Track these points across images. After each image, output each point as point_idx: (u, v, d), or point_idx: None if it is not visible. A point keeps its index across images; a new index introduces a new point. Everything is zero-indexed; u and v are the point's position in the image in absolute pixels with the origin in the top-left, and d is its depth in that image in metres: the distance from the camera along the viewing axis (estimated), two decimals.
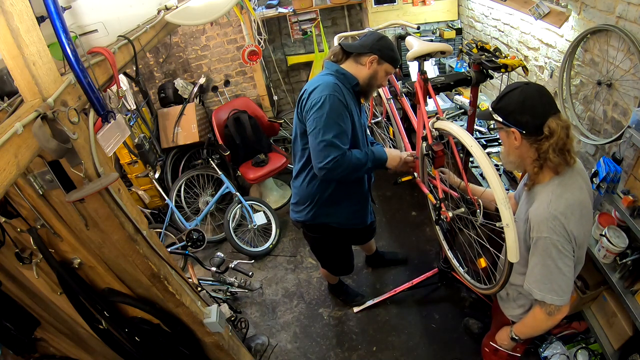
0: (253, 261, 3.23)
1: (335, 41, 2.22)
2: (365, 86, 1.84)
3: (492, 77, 1.94)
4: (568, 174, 1.31)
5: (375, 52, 1.76)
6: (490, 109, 1.36)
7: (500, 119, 1.31)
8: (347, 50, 1.82)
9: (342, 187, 1.95)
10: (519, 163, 1.38)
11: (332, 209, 2.02)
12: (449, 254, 2.03)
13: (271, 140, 3.98)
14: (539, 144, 1.26)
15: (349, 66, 1.82)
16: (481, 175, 2.39)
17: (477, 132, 2.80)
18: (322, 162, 1.65)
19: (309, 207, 2.02)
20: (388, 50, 1.78)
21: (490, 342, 1.69)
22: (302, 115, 1.77)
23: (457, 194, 1.76)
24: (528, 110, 1.25)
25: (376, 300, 2.75)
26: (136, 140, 2.94)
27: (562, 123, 1.24)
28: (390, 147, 2.41)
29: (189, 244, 3.09)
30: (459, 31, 3.48)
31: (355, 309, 2.75)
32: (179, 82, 3.88)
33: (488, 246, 1.55)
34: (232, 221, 3.36)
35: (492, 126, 2.77)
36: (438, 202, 1.72)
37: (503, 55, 1.85)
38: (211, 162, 3.43)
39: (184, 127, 3.59)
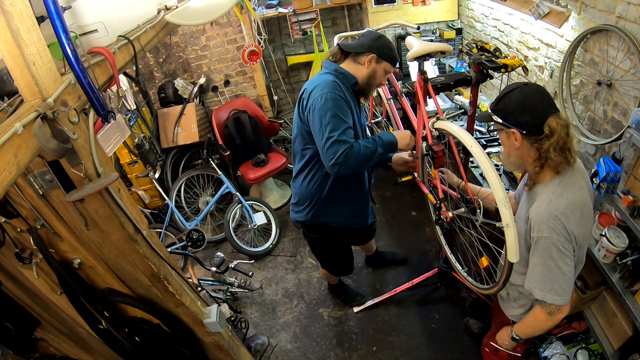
0: (253, 261, 3.23)
1: (335, 41, 2.22)
2: (364, 85, 1.84)
3: (492, 77, 1.94)
4: (568, 173, 1.31)
5: (374, 51, 1.76)
6: (490, 111, 1.36)
7: (500, 120, 1.31)
8: (346, 50, 1.83)
9: (341, 187, 1.95)
10: (519, 164, 1.38)
11: (331, 209, 2.02)
12: (449, 254, 2.02)
13: (271, 140, 3.98)
14: (539, 144, 1.26)
15: (347, 66, 1.82)
16: (481, 175, 2.39)
17: (477, 132, 2.80)
18: (333, 159, 1.64)
19: (309, 207, 2.01)
20: (386, 49, 1.78)
21: (491, 342, 1.69)
22: (304, 115, 1.77)
23: (457, 194, 1.76)
24: (528, 110, 1.25)
25: (376, 300, 2.75)
26: (136, 140, 2.94)
27: (562, 122, 1.24)
28: None
29: (189, 244, 3.08)
30: (459, 31, 3.48)
31: (355, 309, 2.75)
32: (179, 82, 3.88)
33: (490, 245, 1.55)
34: (232, 221, 3.36)
35: (491, 128, 2.77)
36: (438, 202, 1.72)
37: (503, 55, 1.85)
38: (211, 162, 3.43)
39: (184, 127, 3.59)
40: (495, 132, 2.62)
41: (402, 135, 1.87)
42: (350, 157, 1.65)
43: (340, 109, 1.67)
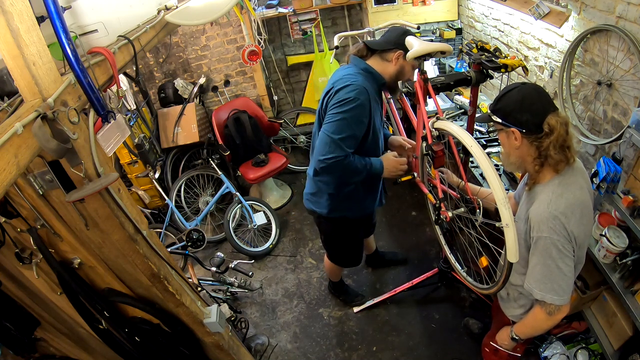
0: (253, 261, 3.23)
1: (335, 41, 2.22)
2: (392, 82, 1.84)
3: (492, 77, 1.94)
4: (568, 173, 1.31)
5: (401, 47, 1.76)
6: (489, 112, 1.36)
7: (499, 120, 1.32)
8: (371, 47, 1.81)
9: (364, 183, 1.96)
10: (519, 164, 1.38)
11: (351, 204, 2.04)
12: (449, 254, 2.02)
13: (271, 140, 3.98)
14: (539, 142, 1.26)
15: (374, 63, 1.81)
16: (481, 175, 2.39)
17: (477, 132, 2.80)
18: (324, 156, 1.66)
19: (329, 201, 2.03)
20: None
21: (491, 342, 1.69)
22: (324, 111, 1.75)
23: (456, 194, 1.76)
24: (527, 109, 1.26)
25: (376, 300, 2.75)
26: (136, 140, 2.94)
27: (561, 120, 1.24)
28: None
29: (189, 244, 3.08)
30: (459, 31, 3.48)
31: (355, 309, 2.75)
32: (179, 82, 3.88)
33: (489, 244, 1.55)
34: (232, 221, 3.36)
35: (491, 129, 2.77)
36: (438, 202, 1.72)
37: (503, 55, 1.85)
38: (211, 162, 3.43)
39: (184, 127, 3.59)
40: (495, 133, 2.62)
41: (389, 164, 1.88)
42: (338, 165, 1.67)
43: (357, 119, 1.68)
